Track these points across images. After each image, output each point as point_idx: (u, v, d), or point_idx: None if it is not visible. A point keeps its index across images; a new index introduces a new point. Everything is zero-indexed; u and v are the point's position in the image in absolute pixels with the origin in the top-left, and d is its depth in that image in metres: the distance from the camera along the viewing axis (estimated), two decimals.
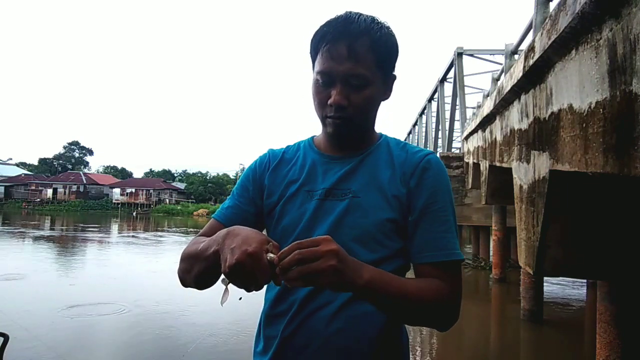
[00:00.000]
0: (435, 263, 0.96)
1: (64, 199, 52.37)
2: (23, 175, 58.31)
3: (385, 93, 1.04)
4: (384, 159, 1.04)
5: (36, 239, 19.19)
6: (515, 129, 4.81)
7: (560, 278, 9.92)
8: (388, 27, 1.00)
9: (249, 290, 0.80)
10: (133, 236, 21.61)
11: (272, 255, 0.77)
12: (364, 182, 1.01)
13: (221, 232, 0.85)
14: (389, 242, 0.98)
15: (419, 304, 0.89)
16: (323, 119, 1.01)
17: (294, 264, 0.75)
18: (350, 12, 0.98)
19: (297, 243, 0.77)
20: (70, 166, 65.78)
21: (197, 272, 0.92)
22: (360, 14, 0.98)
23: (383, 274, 0.86)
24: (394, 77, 1.05)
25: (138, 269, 11.89)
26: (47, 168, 65.94)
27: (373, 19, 0.98)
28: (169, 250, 16.21)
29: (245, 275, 0.76)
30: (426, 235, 0.97)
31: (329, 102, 0.97)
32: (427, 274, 0.96)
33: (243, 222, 1.07)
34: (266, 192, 1.09)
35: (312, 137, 1.15)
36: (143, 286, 9.39)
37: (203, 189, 56.34)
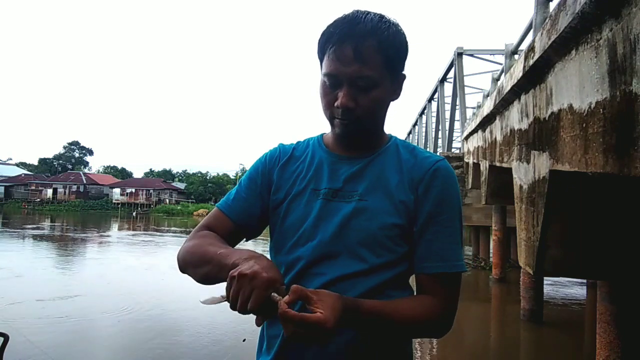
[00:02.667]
0: (434, 274, 0.96)
1: (64, 199, 52.33)
2: (23, 175, 58.26)
3: (395, 92, 1.02)
4: (393, 162, 1.03)
5: (31, 237, 19.20)
6: (515, 129, 4.81)
7: (560, 278, 9.92)
8: (397, 25, 0.97)
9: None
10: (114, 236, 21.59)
11: (277, 296, 0.79)
12: (371, 184, 1.00)
13: (246, 253, 0.87)
14: (395, 246, 0.97)
15: (407, 327, 0.93)
16: (331, 120, 1.00)
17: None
18: (358, 12, 0.96)
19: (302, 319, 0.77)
20: (70, 166, 65.74)
21: (206, 274, 0.94)
22: (368, 13, 0.95)
23: (367, 310, 0.87)
24: (404, 77, 1.03)
25: (133, 267, 11.90)
26: (47, 168, 65.90)
27: (381, 18, 0.96)
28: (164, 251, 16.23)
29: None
30: (429, 246, 0.97)
31: (336, 104, 0.96)
32: (425, 284, 0.97)
33: (248, 216, 1.07)
34: (274, 187, 1.07)
35: (322, 135, 1.13)
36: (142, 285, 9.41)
37: (203, 189, 56.31)
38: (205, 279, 0.95)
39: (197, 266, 0.96)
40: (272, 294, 0.78)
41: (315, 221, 0.99)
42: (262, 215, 1.08)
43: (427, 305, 0.93)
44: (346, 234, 0.97)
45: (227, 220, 1.06)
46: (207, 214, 1.13)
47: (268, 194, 1.08)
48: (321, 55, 0.99)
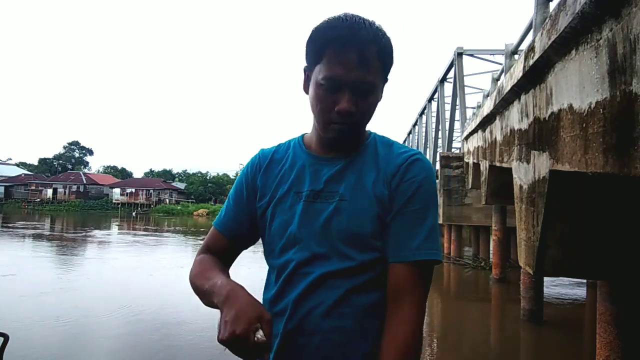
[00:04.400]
0: (405, 264, 0.95)
1: (64, 199, 52.35)
2: (23, 175, 58.28)
3: (381, 96, 1.05)
4: (371, 159, 1.04)
5: (31, 237, 19.22)
6: (515, 129, 4.81)
7: (560, 278, 9.93)
8: (386, 32, 1.00)
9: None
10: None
11: (260, 336, 0.81)
12: (351, 184, 1.01)
13: (224, 289, 0.89)
14: (378, 243, 0.98)
15: None
16: (326, 124, 0.99)
17: None
18: (353, 16, 0.96)
19: None
20: (70, 166, 65.75)
21: (206, 304, 0.99)
22: (363, 20, 0.96)
23: None
24: (387, 81, 1.05)
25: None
26: (47, 168, 65.91)
27: (377, 26, 0.97)
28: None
29: (234, 351, 0.81)
30: (397, 236, 0.96)
31: (336, 108, 0.96)
32: (394, 274, 0.95)
33: (241, 229, 1.11)
34: (259, 193, 1.09)
35: (303, 136, 1.14)
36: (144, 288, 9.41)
37: (203, 189, 56.31)
38: (207, 306, 0.99)
39: (198, 296, 1.02)
40: (255, 337, 0.80)
41: (299, 224, 1.01)
42: (252, 225, 1.10)
43: (400, 338, 0.91)
44: (330, 234, 0.98)
45: (222, 238, 1.11)
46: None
47: (255, 202, 1.10)
48: (316, 57, 0.98)
